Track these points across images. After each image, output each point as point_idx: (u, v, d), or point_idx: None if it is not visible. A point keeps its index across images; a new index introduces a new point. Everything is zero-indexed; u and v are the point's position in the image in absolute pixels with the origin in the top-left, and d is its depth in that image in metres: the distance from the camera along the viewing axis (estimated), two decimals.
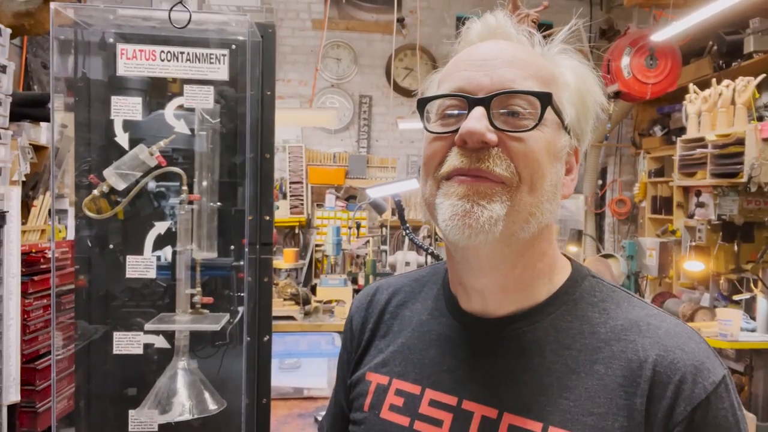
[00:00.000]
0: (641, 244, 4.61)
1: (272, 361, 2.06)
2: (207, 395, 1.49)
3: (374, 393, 0.81)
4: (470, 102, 0.69)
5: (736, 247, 3.65)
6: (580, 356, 0.70)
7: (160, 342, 1.54)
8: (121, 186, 1.48)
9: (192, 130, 1.52)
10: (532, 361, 0.71)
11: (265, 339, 1.60)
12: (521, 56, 0.72)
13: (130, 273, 1.51)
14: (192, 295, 1.51)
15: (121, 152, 1.49)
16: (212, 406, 1.47)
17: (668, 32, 3.98)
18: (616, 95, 4.48)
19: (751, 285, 3.62)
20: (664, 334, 0.69)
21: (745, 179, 3.23)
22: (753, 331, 3.42)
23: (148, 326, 1.45)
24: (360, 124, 6.24)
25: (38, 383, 1.80)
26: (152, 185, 1.52)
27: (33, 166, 3.02)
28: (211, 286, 1.57)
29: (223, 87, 1.51)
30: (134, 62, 1.50)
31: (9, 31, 1.68)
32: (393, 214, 5.49)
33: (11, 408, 1.69)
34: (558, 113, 0.72)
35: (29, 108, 2.06)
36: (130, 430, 1.53)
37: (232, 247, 1.56)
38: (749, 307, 3.56)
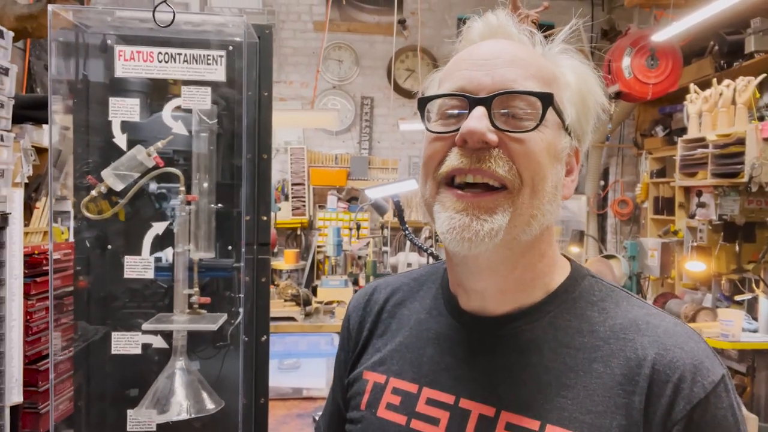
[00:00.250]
0: (643, 244, 4.60)
1: (272, 362, 2.07)
2: (205, 395, 1.49)
3: (371, 391, 0.80)
4: (471, 102, 0.69)
5: (737, 248, 3.64)
6: (579, 355, 0.70)
7: (159, 342, 1.55)
8: (119, 187, 1.49)
9: (190, 131, 1.52)
10: (530, 360, 0.71)
11: (263, 339, 1.60)
12: (522, 56, 0.72)
13: (129, 273, 1.52)
14: (190, 296, 1.52)
15: (122, 154, 1.50)
16: (210, 406, 1.48)
17: (669, 32, 3.98)
18: (617, 96, 4.48)
19: (753, 285, 3.62)
20: (664, 333, 0.69)
21: (745, 179, 3.23)
22: (755, 331, 3.42)
23: (145, 326, 1.46)
24: (362, 126, 6.25)
25: (41, 384, 1.80)
26: (153, 187, 1.53)
27: (35, 168, 3.04)
28: (212, 287, 1.58)
29: (223, 88, 1.52)
30: (132, 64, 1.51)
31: (11, 34, 1.69)
32: (394, 215, 5.49)
33: (14, 409, 1.69)
34: (559, 114, 0.72)
35: (32, 110, 2.07)
36: (128, 429, 1.53)
37: (230, 247, 1.57)
38: (751, 308, 3.55)
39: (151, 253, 1.53)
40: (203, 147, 1.53)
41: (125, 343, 1.53)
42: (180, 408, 1.45)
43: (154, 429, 1.54)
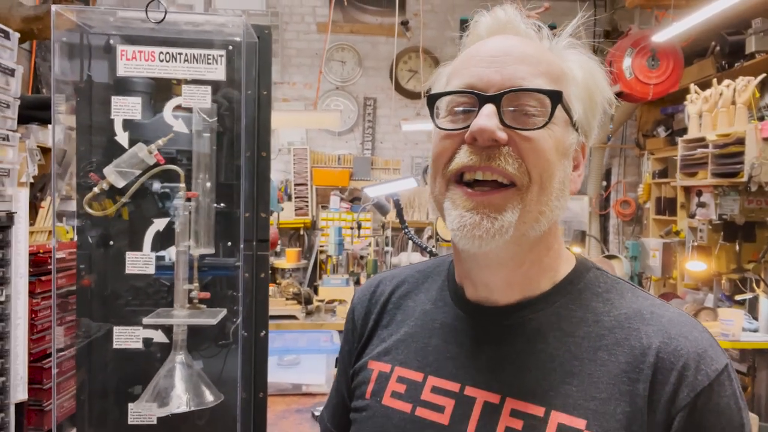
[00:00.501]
0: (645, 245, 4.61)
1: (272, 358, 2.09)
2: (204, 388, 1.52)
3: (376, 380, 0.81)
4: (480, 99, 0.69)
5: (737, 247, 3.65)
6: (584, 343, 0.71)
7: (159, 337, 1.57)
8: (120, 184, 1.52)
9: (190, 129, 1.55)
10: (535, 348, 0.72)
11: (262, 334, 1.63)
12: (532, 53, 0.72)
13: (130, 269, 1.54)
14: (190, 291, 1.54)
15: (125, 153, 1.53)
16: (209, 399, 1.50)
17: (669, 33, 3.98)
18: (618, 96, 4.49)
19: (753, 285, 3.62)
20: (668, 323, 0.70)
21: (745, 179, 3.23)
22: (755, 331, 3.42)
23: (146, 320, 1.49)
24: (364, 126, 6.28)
25: (45, 382, 1.83)
26: (157, 186, 1.55)
27: (41, 168, 3.07)
28: (215, 285, 1.60)
29: (223, 88, 1.55)
30: (134, 63, 1.53)
31: (17, 35, 1.72)
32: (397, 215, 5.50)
33: (19, 406, 1.71)
34: (567, 110, 0.72)
35: (37, 111, 2.10)
36: (129, 423, 1.56)
37: (230, 243, 1.59)
38: (753, 308, 3.56)
39: (153, 250, 1.55)
40: (203, 145, 1.55)
41: (126, 338, 1.55)
42: (180, 401, 1.47)
43: (155, 422, 1.56)
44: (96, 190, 1.51)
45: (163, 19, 1.40)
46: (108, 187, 1.51)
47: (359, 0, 6.13)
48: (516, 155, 0.69)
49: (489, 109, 0.68)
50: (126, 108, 1.54)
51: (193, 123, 1.54)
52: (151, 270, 1.54)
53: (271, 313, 3.37)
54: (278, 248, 4.93)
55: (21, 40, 1.84)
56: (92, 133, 1.56)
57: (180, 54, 1.54)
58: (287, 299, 3.54)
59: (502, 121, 0.68)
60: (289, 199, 5.92)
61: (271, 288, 3.76)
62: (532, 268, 0.75)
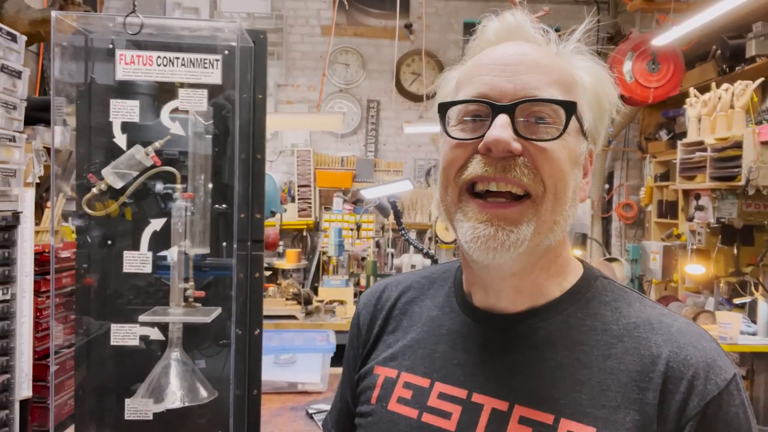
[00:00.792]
0: (645, 247, 4.62)
1: (269, 357, 2.12)
2: (198, 385, 1.55)
3: (382, 386, 0.80)
4: (494, 109, 0.68)
5: (735, 251, 3.66)
6: (593, 352, 0.71)
7: (156, 334, 1.60)
8: (118, 184, 1.55)
9: (187, 131, 1.59)
10: (544, 356, 0.72)
11: (256, 333, 1.66)
12: (545, 61, 0.71)
13: (127, 268, 1.58)
14: (185, 290, 1.58)
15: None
16: (203, 395, 1.53)
17: (669, 36, 4.00)
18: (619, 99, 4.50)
19: (752, 288, 3.63)
20: (677, 332, 0.70)
21: (742, 182, 3.24)
22: (754, 334, 3.43)
23: (141, 318, 1.52)
24: (368, 129, 6.31)
25: (50, 379, 1.86)
26: (160, 187, 1.59)
27: (47, 168, 3.11)
28: (219, 286, 1.63)
29: (219, 91, 1.58)
30: (132, 67, 1.57)
31: (24, 38, 1.76)
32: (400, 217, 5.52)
33: (23, 403, 1.74)
34: (579, 120, 0.72)
35: (44, 112, 2.13)
36: (126, 418, 1.59)
37: (224, 243, 1.63)
38: (753, 311, 3.56)
39: (150, 249, 1.59)
40: (199, 147, 1.59)
41: (124, 335, 1.59)
42: (174, 397, 1.50)
43: (151, 417, 1.60)
44: (94, 190, 1.55)
45: (139, 31, 1.45)
46: (106, 187, 1.55)
47: (363, 3, 6.16)
48: (531, 166, 0.68)
49: (503, 119, 0.68)
50: (125, 111, 1.58)
51: (189, 125, 1.58)
52: (148, 269, 1.58)
53: (271, 313, 3.42)
54: (281, 249, 4.97)
55: (28, 43, 1.88)
56: (95, 135, 1.59)
57: (177, 58, 1.57)
58: (287, 299, 3.57)
59: (516, 132, 0.68)
60: (293, 200, 5.96)
61: (272, 288, 3.79)
62: (541, 275, 0.75)
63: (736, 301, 3.72)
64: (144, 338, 1.58)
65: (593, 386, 0.68)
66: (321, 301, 3.61)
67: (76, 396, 1.61)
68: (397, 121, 6.12)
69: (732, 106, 3.56)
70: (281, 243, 4.88)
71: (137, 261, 1.59)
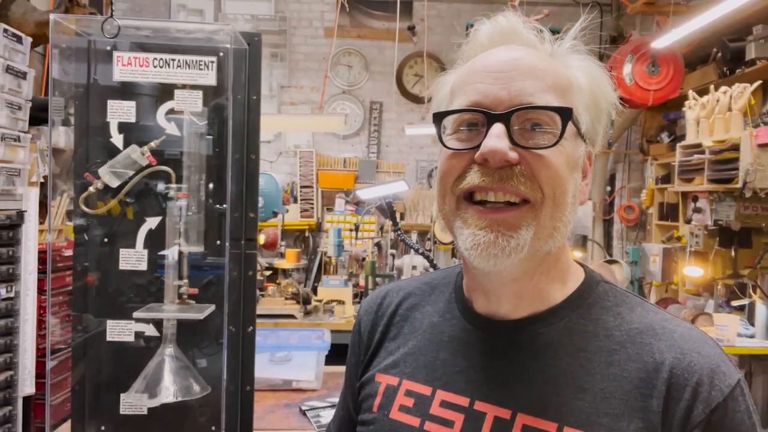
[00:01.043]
0: (645, 250, 4.62)
1: (264, 354, 2.14)
2: (192, 380, 1.58)
3: (383, 394, 0.80)
4: (489, 118, 0.68)
5: (733, 253, 3.66)
6: (595, 358, 0.70)
7: (151, 330, 1.63)
8: (114, 183, 1.59)
9: (182, 132, 1.62)
10: (546, 363, 0.71)
11: (249, 330, 1.69)
12: (539, 66, 0.70)
13: (123, 265, 1.61)
14: (179, 287, 1.61)
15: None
16: (196, 390, 1.56)
17: (669, 39, 4.01)
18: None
19: (750, 291, 3.63)
20: (680, 338, 0.69)
21: (740, 185, 3.25)
22: (752, 337, 3.43)
23: (136, 314, 1.55)
24: (370, 130, 6.34)
25: (52, 376, 1.89)
26: (161, 187, 1.62)
27: None
28: (219, 284, 1.66)
29: (214, 92, 1.61)
30: (129, 68, 1.61)
31: (29, 39, 1.79)
32: (402, 218, 5.55)
33: (26, 400, 1.76)
34: (576, 124, 0.71)
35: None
36: (121, 412, 1.62)
37: (218, 242, 1.66)
38: (751, 314, 3.56)
39: (146, 247, 1.62)
40: (194, 147, 1.62)
41: (119, 331, 1.62)
42: (167, 392, 1.53)
43: (145, 412, 1.63)
44: (91, 189, 1.58)
45: (116, 35, 1.49)
46: (102, 186, 1.58)
47: (366, 5, 6.20)
48: (528, 174, 0.68)
49: (498, 129, 0.67)
50: (122, 111, 1.61)
51: (185, 126, 1.61)
52: (143, 267, 1.61)
53: (269, 312, 3.45)
54: (282, 249, 5.00)
55: (34, 44, 1.91)
56: (94, 135, 1.63)
57: (173, 60, 1.61)
58: (286, 299, 3.60)
59: (512, 140, 0.67)
60: (295, 201, 5.99)
61: (271, 288, 3.82)
62: (542, 280, 0.75)
63: (735, 303, 3.73)
64: (140, 335, 1.61)
65: (596, 394, 0.68)
66: (320, 301, 3.64)
67: (73, 392, 1.64)
68: (400, 122, 6.14)
69: (730, 109, 3.57)
70: (282, 243, 4.91)
71: (133, 258, 1.62)
